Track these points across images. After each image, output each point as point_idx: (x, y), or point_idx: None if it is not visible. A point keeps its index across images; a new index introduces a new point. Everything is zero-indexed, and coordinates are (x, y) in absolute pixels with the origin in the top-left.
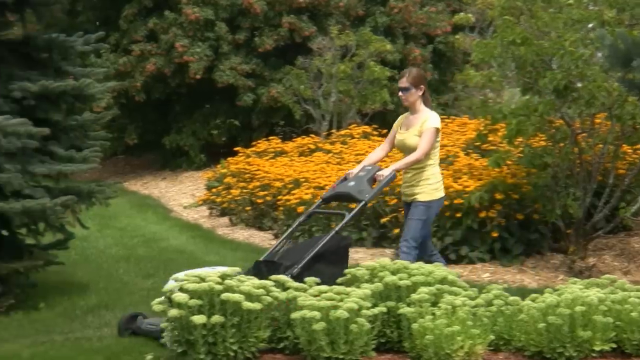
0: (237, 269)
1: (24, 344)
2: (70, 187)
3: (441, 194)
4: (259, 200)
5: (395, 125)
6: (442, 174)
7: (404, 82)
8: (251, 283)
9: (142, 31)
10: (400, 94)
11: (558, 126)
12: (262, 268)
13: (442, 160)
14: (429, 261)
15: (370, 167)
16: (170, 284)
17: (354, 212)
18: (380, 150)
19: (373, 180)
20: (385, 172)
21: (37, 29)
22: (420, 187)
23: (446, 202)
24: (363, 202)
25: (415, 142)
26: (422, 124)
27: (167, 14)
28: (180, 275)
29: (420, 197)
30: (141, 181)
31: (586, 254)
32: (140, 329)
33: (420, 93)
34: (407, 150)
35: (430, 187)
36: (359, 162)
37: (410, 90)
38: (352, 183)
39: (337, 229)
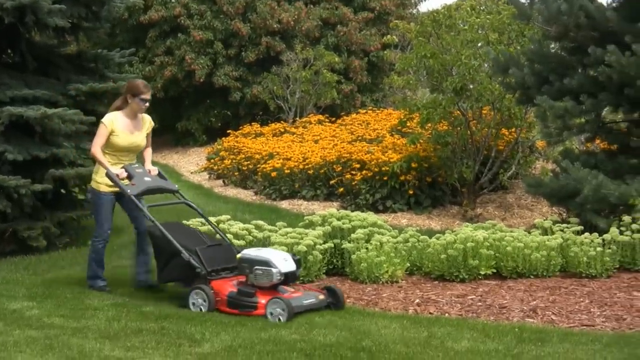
0: (228, 216)
1: (76, 270)
2: None
3: None
4: (244, 168)
5: (109, 128)
6: None
7: (149, 95)
8: (238, 226)
9: (161, 48)
10: (146, 104)
11: (456, 116)
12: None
13: (374, 140)
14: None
15: (137, 165)
16: None
17: (188, 200)
18: (101, 151)
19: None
20: (154, 168)
21: (87, 47)
22: None
23: (376, 169)
24: (177, 190)
25: (145, 142)
26: (148, 126)
27: (180, 35)
28: None
29: None
30: (161, 154)
31: (475, 206)
32: None
33: None
34: (136, 149)
35: None
36: (315, 141)
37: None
38: (148, 179)
39: (200, 212)
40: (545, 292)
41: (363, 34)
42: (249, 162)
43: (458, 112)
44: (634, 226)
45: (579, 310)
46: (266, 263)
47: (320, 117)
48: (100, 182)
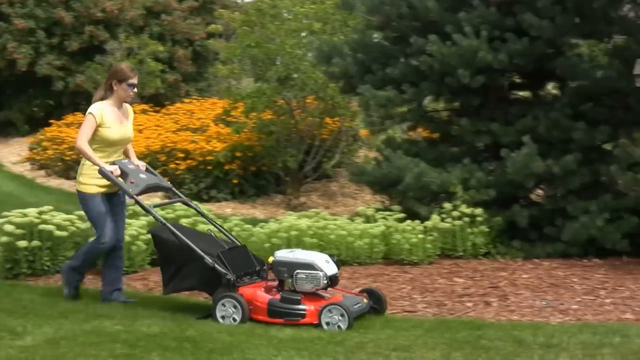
0: (51, 207)
1: None
2: None
3: None
4: (67, 158)
5: (97, 120)
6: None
7: (137, 79)
8: (61, 217)
9: None
10: (134, 90)
11: (280, 105)
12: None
13: (198, 129)
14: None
15: (126, 161)
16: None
17: (185, 198)
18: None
19: None
20: (142, 163)
21: None
22: None
23: (200, 158)
24: (172, 187)
25: (132, 133)
26: (131, 116)
27: (1, 24)
28: None
29: None
30: None
31: (299, 194)
32: None
33: None
34: (126, 142)
35: None
36: (139, 131)
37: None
38: (144, 176)
39: (199, 211)
40: (368, 279)
41: (188, 23)
42: (72, 152)
43: (282, 101)
44: (454, 213)
45: (401, 297)
46: (310, 266)
47: (145, 106)
48: (90, 183)
